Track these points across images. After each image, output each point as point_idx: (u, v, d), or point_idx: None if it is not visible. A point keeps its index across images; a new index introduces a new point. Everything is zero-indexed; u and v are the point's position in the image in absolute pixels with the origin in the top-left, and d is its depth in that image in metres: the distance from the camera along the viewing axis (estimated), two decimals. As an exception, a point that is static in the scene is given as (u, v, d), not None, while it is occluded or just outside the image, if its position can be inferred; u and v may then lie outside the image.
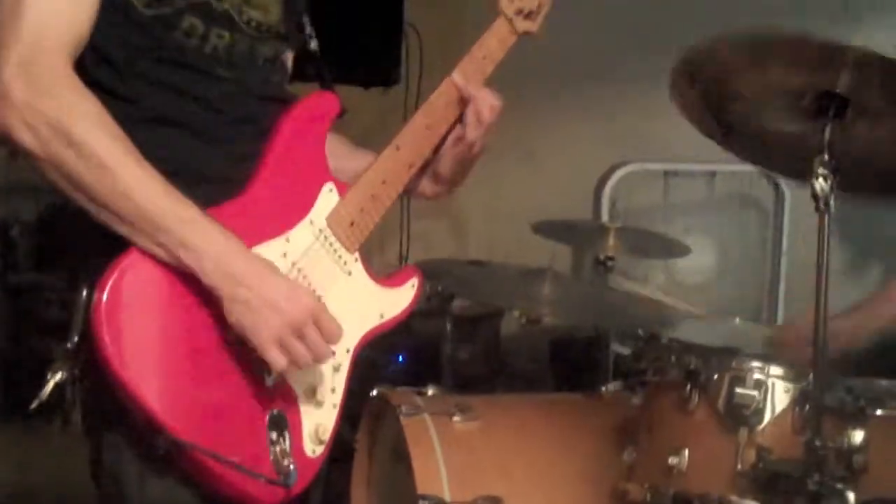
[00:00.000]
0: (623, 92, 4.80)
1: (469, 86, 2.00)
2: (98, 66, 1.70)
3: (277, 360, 1.69)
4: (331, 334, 1.74)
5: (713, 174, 4.55)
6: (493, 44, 2.06)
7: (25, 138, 1.57)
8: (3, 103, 1.57)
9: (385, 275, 2.01)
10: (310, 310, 1.70)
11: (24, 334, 4.73)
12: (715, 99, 2.22)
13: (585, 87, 4.88)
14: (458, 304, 3.35)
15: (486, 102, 1.99)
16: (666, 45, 4.69)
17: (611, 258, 3.44)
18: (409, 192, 2.07)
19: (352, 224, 1.90)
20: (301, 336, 1.70)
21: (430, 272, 2.76)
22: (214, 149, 1.79)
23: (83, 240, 1.70)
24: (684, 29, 4.60)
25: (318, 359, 1.74)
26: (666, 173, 4.61)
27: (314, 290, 1.80)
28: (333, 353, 1.78)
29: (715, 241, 4.50)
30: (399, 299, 2.01)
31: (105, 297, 1.57)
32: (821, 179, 2.04)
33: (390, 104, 4.67)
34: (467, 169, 2.07)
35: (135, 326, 1.59)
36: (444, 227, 5.11)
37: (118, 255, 1.62)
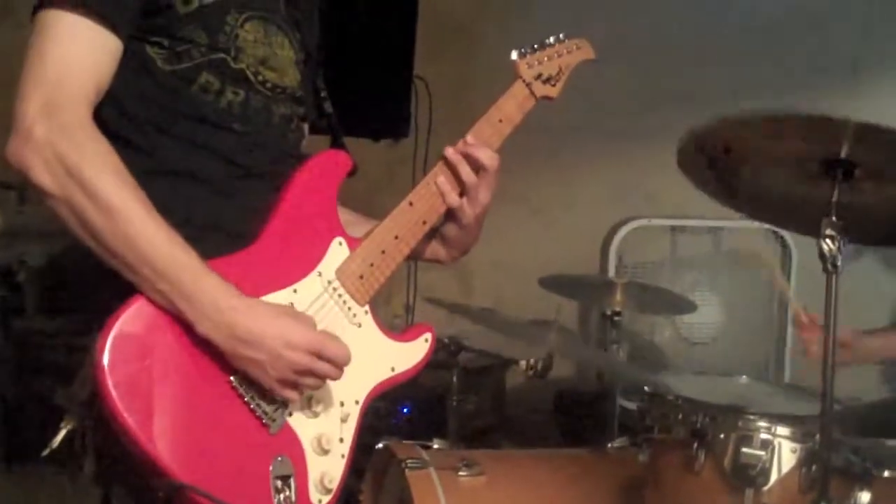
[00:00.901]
0: (630, 147, 4.83)
1: (468, 146, 1.99)
2: (116, 116, 1.74)
3: (290, 396, 1.74)
4: (338, 360, 1.76)
5: (720, 230, 4.56)
6: (511, 107, 2.07)
7: (42, 177, 1.62)
8: (25, 142, 1.62)
9: (390, 325, 2.01)
10: (313, 349, 1.72)
11: (29, 379, 4.73)
12: (722, 166, 2.25)
13: (593, 142, 4.90)
14: (464, 356, 3.35)
15: (483, 163, 1.99)
16: (673, 102, 4.76)
17: (618, 313, 3.44)
18: (419, 256, 2.07)
19: (361, 277, 1.92)
20: (309, 373, 1.73)
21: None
22: (227, 201, 1.82)
23: (92, 285, 1.73)
24: (693, 88, 4.69)
25: (332, 379, 1.78)
26: (673, 229, 4.61)
27: (313, 321, 1.79)
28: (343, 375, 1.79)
29: (722, 297, 4.49)
30: (411, 354, 2.01)
31: (107, 343, 1.59)
32: (828, 241, 2.05)
33: (399, 156, 4.69)
34: (475, 231, 2.07)
35: (137, 373, 1.61)
36: (450, 278, 5.11)
37: (127, 300, 1.64)
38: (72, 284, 1.82)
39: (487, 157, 1.99)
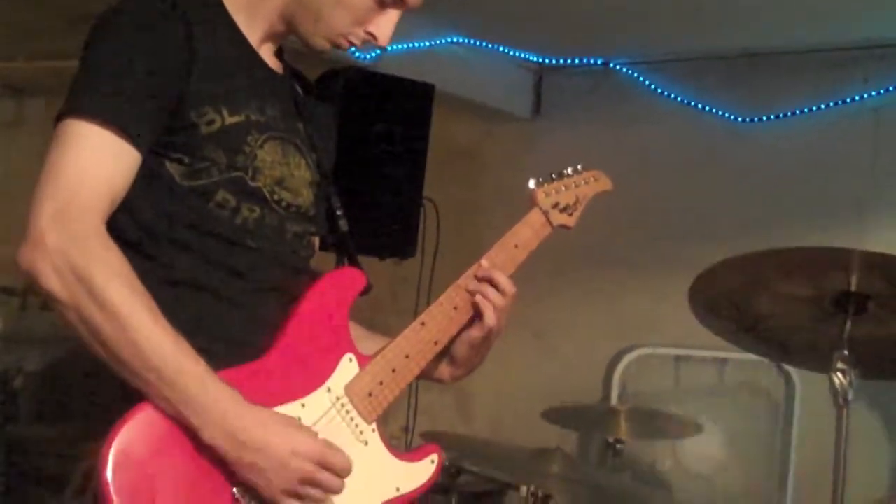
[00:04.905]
0: (635, 276, 4.85)
1: (490, 270, 1.99)
2: (132, 228, 1.75)
3: None
4: (341, 470, 1.75)
5: (724, 361, 4.55)
6: (527, 234, 2.07)
7: (52, 283, 1.62)
8: (36, 249, 1.62)
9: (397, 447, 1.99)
10: (316, 458, 1.71)
11: (20, 488, 4.66)
12: (733, 308, 2.25)
13: (597, 270, 4.93)
14: (463, 479, 3.31)
15: (502, 287, 1.99)
16: (679, 233, 4.79)
17: (620, 441, 3.42)
18: (425, 375, 2.05)
19: (370, 395, 1.91)
20: (313, 482, 1.71)
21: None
22: (239, 314, 1.82)
23: (89, 394, 1.73)
24: (698, 221, 4.73)
25: (332, 493, 1.75)
26: (677, 358, 4.61)
27: (317, 433, 1.78)
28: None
29: (724, 429, 4.46)
30: (417, 474, 1.98)
31: (112, 449, 1.59)
32: (840, 374, 2.05)
33: (403, 276, 4.70)
34: (484, 353, 2.06)
35: (140, 481, 1.60)
36: (450, 402, 5.08)
37: (127, 409, 1.63)
38: (68, 392, 1.81)
39: (505, 282, 1.99)
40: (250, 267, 1.84)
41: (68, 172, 1.66)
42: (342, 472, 1.75)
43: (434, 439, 3.16)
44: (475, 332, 2.00)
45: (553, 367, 4.90)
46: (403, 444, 4.67)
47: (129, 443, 1.60)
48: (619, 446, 3.41)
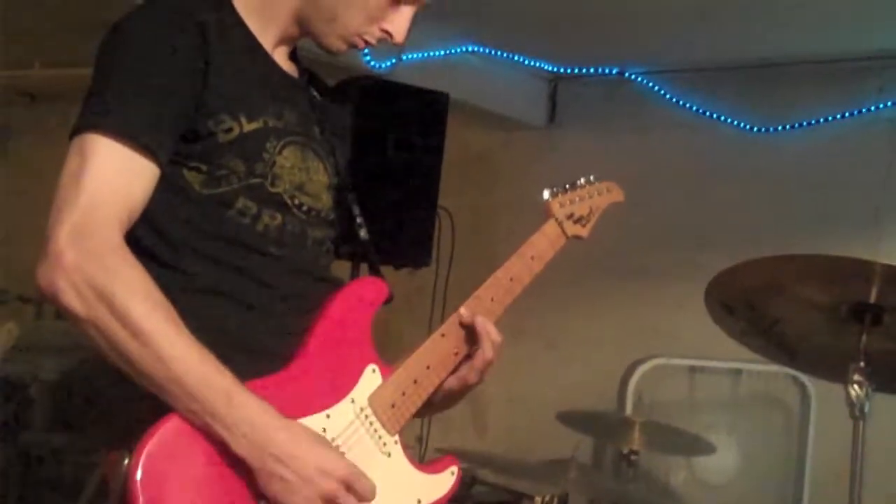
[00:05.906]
0: (649, 286, 4.84)
1: (478, 320, 1.95)
2: (152, 238, 1.75)
3: None
4: (365, 495, 1.73)
5: (739, 372, 4.54)
6: (544, 245, 2.09)
7: (71, 300, 1.62)
8: (55, 267, 1.62)
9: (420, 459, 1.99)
10: (343, 479, 1.70)
11: (35, 495, 4.67)
12: (747, 310, 2.25)
13: (612, 280, 4.92)
14: (477, 490, 3.31)
15: (491, 338, 1.96)
16: (695, 243, 4.78)
17: (635, 452, 3.41)
18: None
19: (392, 406, 1.90)
20: (335, 502, 1.70)
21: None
22: (262, 322, 1.81)
23: (105, 403, 1.73)
24: (714, 230, 4.72)
25: None
26: (692, 369, 4.60)
27: (344, 455, 1.77)
28: None
29: (738, 440, 4.45)
30: (438, 486, 1.97)
31: (141, 458, 1.58)
32: (856, 386, 2.04)
33: (417, 285, 4.70)
34: (457, 399, 2.05)
35: (167, 492, 1.59)
36: (465, 412, 5.07)
37: (144, 419, 1.62)
38: (84, 401, 1.81)
39: (495, 335, 1.96)
40: (273, 275, 1.83)
41: (85, 189, 1.65)
42: (366, 497, 1.74)
43: (448, 451, 3.15)
44: (454, 384, 1.99)
45: (568, 377, 4.89)
46: (418, 455, 4.66)
47: (157, 454, 1.60)
48: (633, 457, 3.41)
